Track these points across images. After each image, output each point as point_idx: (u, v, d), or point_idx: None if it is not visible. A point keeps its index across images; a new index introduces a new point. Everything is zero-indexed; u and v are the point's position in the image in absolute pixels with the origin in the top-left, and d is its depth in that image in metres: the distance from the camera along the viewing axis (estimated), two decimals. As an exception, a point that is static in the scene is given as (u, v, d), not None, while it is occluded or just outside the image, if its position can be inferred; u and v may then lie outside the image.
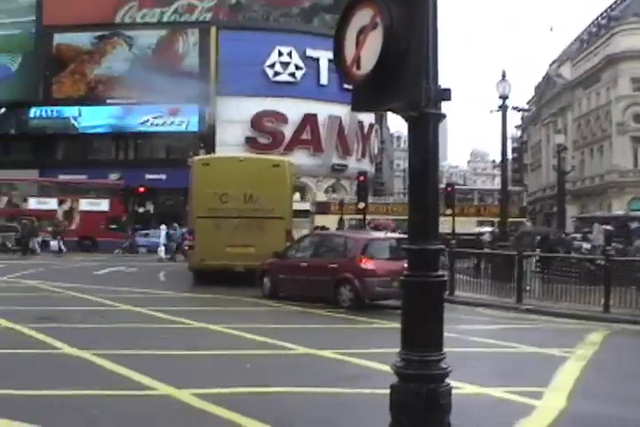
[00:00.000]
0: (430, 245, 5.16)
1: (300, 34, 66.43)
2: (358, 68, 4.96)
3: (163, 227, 48.06)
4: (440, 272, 5.32)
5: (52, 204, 54.72)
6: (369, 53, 4.84)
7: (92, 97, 67.22)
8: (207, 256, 26.93)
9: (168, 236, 47.02)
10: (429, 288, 5.22)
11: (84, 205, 54.39)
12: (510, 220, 34.66)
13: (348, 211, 49.59)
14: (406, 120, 5.08)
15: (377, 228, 41.03)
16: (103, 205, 54.44)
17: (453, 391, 5.55)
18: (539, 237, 33.49)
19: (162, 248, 46.30)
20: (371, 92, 5.00)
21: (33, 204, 53.98)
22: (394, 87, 4.86)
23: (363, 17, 4.93)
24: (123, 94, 66.38)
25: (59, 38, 68.57)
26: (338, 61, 5.17)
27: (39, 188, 56.16)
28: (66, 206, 54.53)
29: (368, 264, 20.69)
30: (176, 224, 48.30)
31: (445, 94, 5.04)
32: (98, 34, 68.05)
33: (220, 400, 9.07)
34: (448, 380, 5.48)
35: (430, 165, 5.08)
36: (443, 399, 5.29)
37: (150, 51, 67.76)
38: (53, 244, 49.04)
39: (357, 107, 5.26)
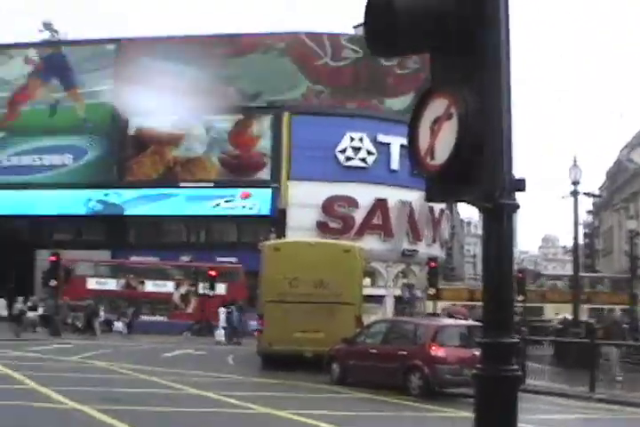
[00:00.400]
0: (505, 339, 5.04)
1: (372, 119, 66.95)
2: (432, 158, 4.92)
3: (222, 309, 47.83)
4: (514, 366, 5.18)
5: (168, 286, 55.16)
6: (443, 144, 4.81)
7: (166, 180, 68.13)
8: (276, 341, 26.83)
9: (227, 319, 46.80)
10: (503, 383, 5.08)
11: (202, 288, 54.36)
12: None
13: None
14: (480, 211, 5.03)
15: (451, 315, 40.64)
16: (220, 288, 54.19)
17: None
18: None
19: (221, 331, 46.06)
20: (444, 183, 4.96)
21: (149, 286, 54.26)
22: (468, 178, 4.81)
23: (437, 107, 4.90)
24: (198, 176, 67.41)
25: (139, 122, 69.89)
26: (411, 151, 5.14)
27: (156, 271, 56.35)
28: (183, 290, 54.73)
29: (438, 351, 20.46)
30: (233, 307, 48.11)
31: (520, 185, 4.98)
32: (176, 118, 69.24)
33: None
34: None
35: (504, 255, 4.99)
36: None
37: (226, 134, 68.69)
38: (117, 324, 49.31)
39: (431, 197, 5.20)
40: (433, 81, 5.10)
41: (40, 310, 48.48)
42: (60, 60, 73.31)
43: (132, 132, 70.34)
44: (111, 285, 55.75)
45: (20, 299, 48.49)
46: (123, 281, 55.69)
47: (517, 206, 5.05)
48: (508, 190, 4.94)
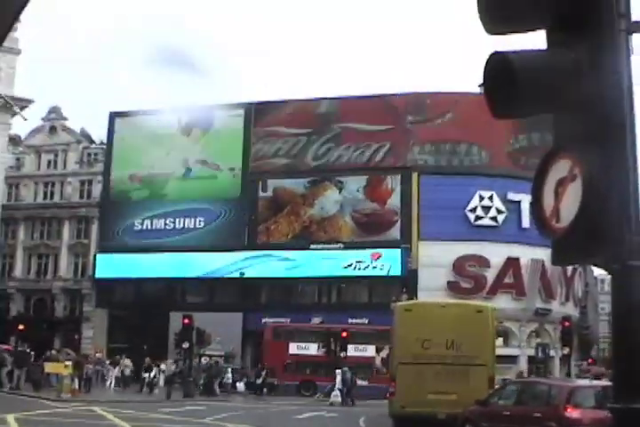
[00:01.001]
0: (636, 404, 4.91)
1: (501, 177, 66.52)
2: (557, 221, 4.86)
3: (338, 371, 47.71)
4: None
5: (369, 351, 55.25)
6: (568, 206, 4.75)
7: (298, 242, 68.70)
8: (408, 403, 26.60)
9: (343, 380, 46.59)
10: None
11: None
12: None
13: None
14: (609, 273, 4.95)
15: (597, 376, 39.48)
16: None
17: None
18: None
19: (337, 393, 45.82)
20: (571, 246, 4.90)
21: (351, 351, 54.40)
22: (595, 241, 4.74)
23: (561, 168, 4.86)
24: (332, 236, 67.99)
25: (272, 183, 71.02)
26: (536, 213, 5.10)
27: (355, 335, 56.45)
28: (384, 354, 54.70)
29: (573, 413, 19.96)
30: (346, 368, 47.95)
31: (648, 244, 4.90)
32: (310, 179, 70.17)
33: None
34: None
35: (636, 319, 4.90)
36: None
37: (359, 193, 69.17)
38: (239, 385, 49.56)
39: (558, 261, 5.13)
40: (556, 141, 5.08)
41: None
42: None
43: (268, 192, 71.42)
44: (312, 349, 56.02)
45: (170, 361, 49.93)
46: (323, 345, 55.84)
47: (646, 267, 4.96)
48: (637, 251, 4.85)
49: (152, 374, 50.48)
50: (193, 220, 72.23)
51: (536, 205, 5.12)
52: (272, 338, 56.85)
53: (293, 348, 56.18)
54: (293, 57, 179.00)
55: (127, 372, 54.46)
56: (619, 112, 4.87)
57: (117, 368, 54.77)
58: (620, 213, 4.75)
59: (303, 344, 56.58)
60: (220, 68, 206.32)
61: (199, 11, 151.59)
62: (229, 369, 52.45)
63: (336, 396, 45.49)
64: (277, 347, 55.39)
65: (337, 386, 46.35)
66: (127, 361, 55.63)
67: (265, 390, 50.02)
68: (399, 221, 67.39)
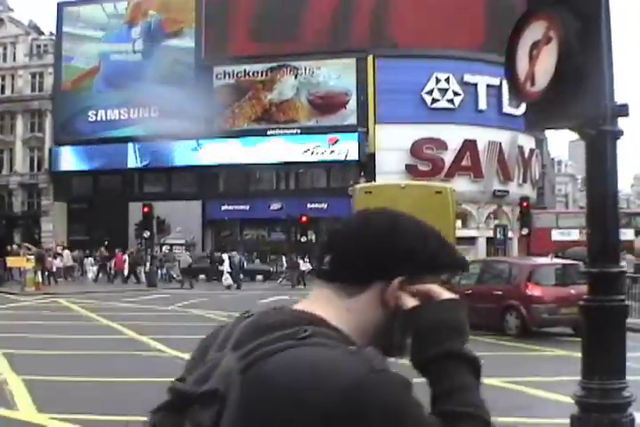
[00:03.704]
0: (611, 268, 4.94)
1: (457, 60, 66.03)
2: (532, 84, 4.78)
3: (225, 256, 48.45)
4: (622, 296, 5.07)
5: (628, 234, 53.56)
6: (543, 69, 4.65)
7: (256, 129, 68.32)
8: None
9: (232, 264, 47.31)
10: (611, 313, 4.98)
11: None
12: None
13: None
14: (583, 138, 4.90)
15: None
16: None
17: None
18: None
19: (227, 276, 46.42)
20: (545, 110, 4.82)
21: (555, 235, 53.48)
22: (570, 104, 4.67)
23: (535, 31, 4.74)
24: (291, 117, 67.80)
25: (232, 69, 70.30)
26: (510, 78, 5.00)
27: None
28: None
29: (534, 291, 20.29)
30: (235, 252, 48.61)
31: (623, 110, 4.83)
32: (269, 65, 69.38)
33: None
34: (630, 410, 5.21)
35: (609, 184, 4.88)
36: (625, 430, 5.01)
37: (313, 78, 68.61)
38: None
39: (532, 125, 5.08)
40: (530, 3, 4.95)
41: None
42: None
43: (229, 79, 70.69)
44: (573, 235, 54.98)
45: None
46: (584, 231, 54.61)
47: (621, 133, 4.91)
48: (611, 116, 4.80)
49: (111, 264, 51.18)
50: (148, 109, 71.36)
51: (510, 70, 5.02)
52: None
53: (555, 235, 55.07)
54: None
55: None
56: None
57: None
58: (595, 77, 4.67)
59: (565, 231, 55.63)
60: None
61: None
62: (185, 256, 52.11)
63: (227, 279, 46.07)
64: (540, 234, 53.61)
65: (226, 269, 46.95)
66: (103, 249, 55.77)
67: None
68: (355, 103, 66.93)
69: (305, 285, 46.52)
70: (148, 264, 49.09)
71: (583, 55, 4.59)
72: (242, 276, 47.85)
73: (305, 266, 49.66)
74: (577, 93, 4.63)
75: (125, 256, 51.72)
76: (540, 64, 4.72)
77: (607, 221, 4.93)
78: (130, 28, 73.93)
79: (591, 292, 5.06)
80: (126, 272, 50.28)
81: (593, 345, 5.07)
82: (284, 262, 55.92)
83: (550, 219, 55.79)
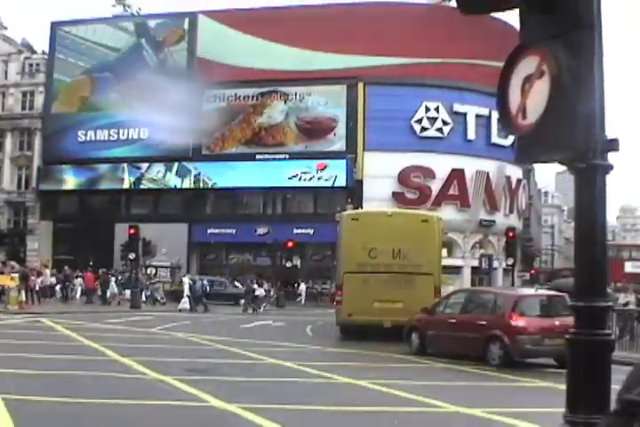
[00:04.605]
0: (598, 302, 4.94)
1: (447, 89, 66.37)
2: (524, 117, 4.80)
3: (185, 280, 48.38)
4: (608, 331, 5.08)
5: None
6: (535, 103, 4.68)
7: (245, 153, 68.29)
8: (355, 311, 26.81)
9: (191, 287, 47.09)
10: (597, 347, 4.98)
11: None
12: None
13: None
14: (573, 172, 4.91)
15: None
16: None
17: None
18: None
19: (185, 300, 46.10)
20: (536, 144, 4.84)
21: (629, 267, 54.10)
22: (561, 139, 4.70)
23: (528, 65, 4.78)
24: (278, 141, 67.78)
25: (222, 94, 70.42)
26: (502, 111, 5.02)
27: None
28: None
29: (519, 321, 20.28)
30: (197, 276, 48.50)
31: (613, 145, 4.86)
32: (260, 90, 69.45)
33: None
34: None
35: (598, 218, 4.89)
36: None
37: (302, 104, 68.78)
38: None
39: (522, 158, 5.09)
40: (523, 37, 4.99)
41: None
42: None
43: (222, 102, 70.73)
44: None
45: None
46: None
47: (611, 167, 4.93)
48: (601, 151, 4.82)
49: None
50: (137, 130, 71.38)
51: (502, 102, 5.04)
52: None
53: (628, 267, 56.09)
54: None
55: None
56: (589, 13, 4.81)
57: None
58: (587, 112, 4.70)
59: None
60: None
61: None
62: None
63: (185, 302, 45.77)
64: (616, 265, 54.39)
65: (185, 293, 46.71)
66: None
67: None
68: (344, 130, 67.05)
69: (255, 310, 46.15)
70: (114, 286, 49.32)
71: (575, 91, 4.62)
72: (204, 300, 47.14)
73: (259, 291, 49.12)
74: (567, 127, 4.65)
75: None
76: (532, 98, 4.75)
77: (595, 254, 4.94)
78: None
79: (577, 326, 5.07)
80: (99, 292, 49.86)
81: (577, 379, 5.06)
82: (238, 285, 55.67)
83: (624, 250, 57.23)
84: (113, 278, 50.99)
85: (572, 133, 4.66)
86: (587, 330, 4.98)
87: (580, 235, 5.00)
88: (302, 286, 61.39)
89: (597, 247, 4.94)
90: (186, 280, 48.18)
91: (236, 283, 56.90)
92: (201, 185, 69.04)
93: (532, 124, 4.72)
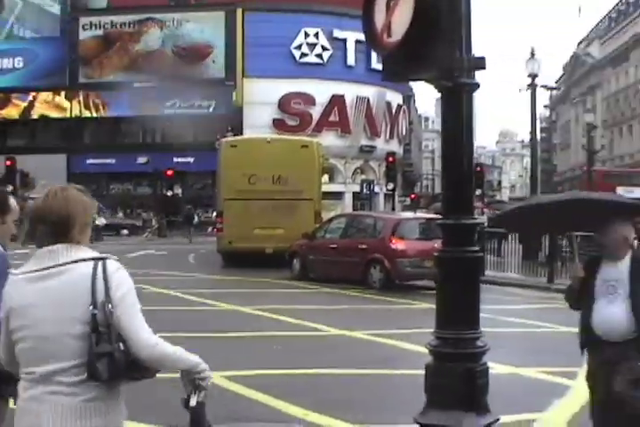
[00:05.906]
0: (466, 220, 4.98)
1: (327, 15, 65.90)
2: (389, 35, 4.74)
3: None
4: (476, 247, 5.13)
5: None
6: (400, 20, 4.62)
7: (123, 81, 67.07)
8: (236, 238, 26.75)
9: None
10: (465, 264, 5.03)
11: None
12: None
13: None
14: (439, 91, 4.90)
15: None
16: None
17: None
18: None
19: None
20: (402, 62, 4.78)
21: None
22: (426, 56, 4.65)
23: (393, -18, 4.73)
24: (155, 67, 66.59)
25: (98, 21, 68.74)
26: (367, 29, 4.95)
27: None
28: None
29: (398, 245, 20.51)
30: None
31: (480, 63, 4.84)
32: (137, 17, 67.95)
33: (252, 383, 8.97)
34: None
35: (465, 137, 4.90)
36: (479, 379, 5.07)
37: (178, 31, 67.63)
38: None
39: (388, 76, 5.04)
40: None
41: None
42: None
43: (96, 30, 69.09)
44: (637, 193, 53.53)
45: None
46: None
47: (477, 85, 4.93)
48: (468, 69, 4.80)
49: None
50: (12, 60, 69.34)
51: (367, 20, 4.97)
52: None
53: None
54: None
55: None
56: None
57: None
58: (452, 30, 4.67)
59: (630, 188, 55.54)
60: None
61: None
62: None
63: None
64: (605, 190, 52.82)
65: None
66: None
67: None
68: (223, 57, 66.23)
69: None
70: None
71: (439, 7, 4.58)
72: None
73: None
74: (433, 45, 4.61)
75: None
76: (397, 15, 4.69)
77: (462, 175, 4.96)
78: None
79: (445, 243, 5.11)
80: None
81: (447, 296, 5.11)
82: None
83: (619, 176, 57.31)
84: None
85: (437, 51, 4.63)
86: (454, 247, 5.03)
87: (447, 154, 5.02)
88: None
89: (464, 167, 4.97)
90: None
91: None
92: (78, 114, 67.69)
93: (397, 42, 4.66)
